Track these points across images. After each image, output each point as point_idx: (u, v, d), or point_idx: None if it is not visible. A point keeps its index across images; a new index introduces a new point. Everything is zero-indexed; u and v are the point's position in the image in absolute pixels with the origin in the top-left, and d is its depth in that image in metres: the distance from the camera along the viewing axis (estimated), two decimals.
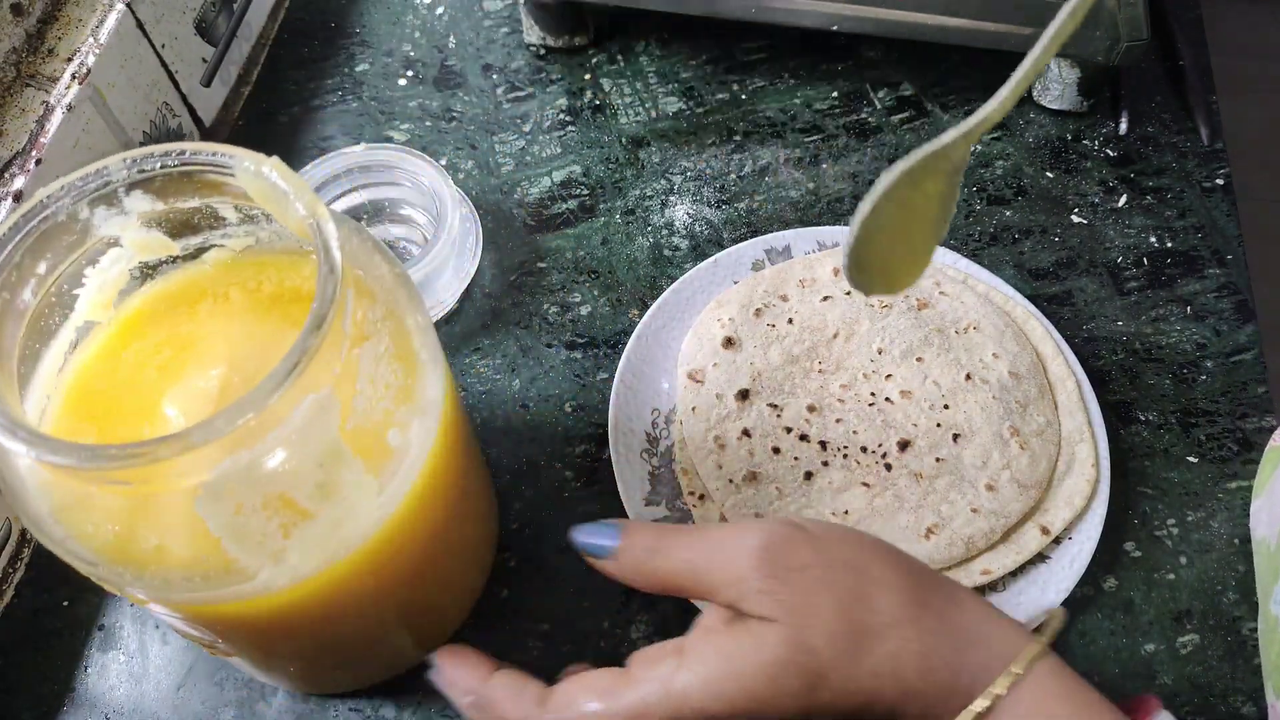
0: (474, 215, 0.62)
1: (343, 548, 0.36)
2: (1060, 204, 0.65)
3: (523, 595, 0.52)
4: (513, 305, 0.61)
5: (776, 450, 0.52)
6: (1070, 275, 0.62)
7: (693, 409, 0.54)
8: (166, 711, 0.50)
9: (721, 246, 0.62)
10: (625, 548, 0.39)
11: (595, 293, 0.61)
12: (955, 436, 0.53)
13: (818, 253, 0.59)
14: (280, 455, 0.33)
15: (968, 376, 0.54)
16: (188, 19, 0.64)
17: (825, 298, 0.57)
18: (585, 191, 0.65)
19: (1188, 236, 0.64)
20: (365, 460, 0.35)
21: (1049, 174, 0.66)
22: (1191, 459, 0.56)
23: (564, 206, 0.65)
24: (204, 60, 0.65)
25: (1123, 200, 0.65)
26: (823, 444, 0.52)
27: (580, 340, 0.60)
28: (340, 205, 0.61)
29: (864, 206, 0.37)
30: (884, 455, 0.52)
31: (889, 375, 0.54)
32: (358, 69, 0.71)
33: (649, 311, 0.57)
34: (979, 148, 0.67)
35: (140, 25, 0.59)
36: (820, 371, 0.55)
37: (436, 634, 0.50)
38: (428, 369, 0.38)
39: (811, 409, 0.53)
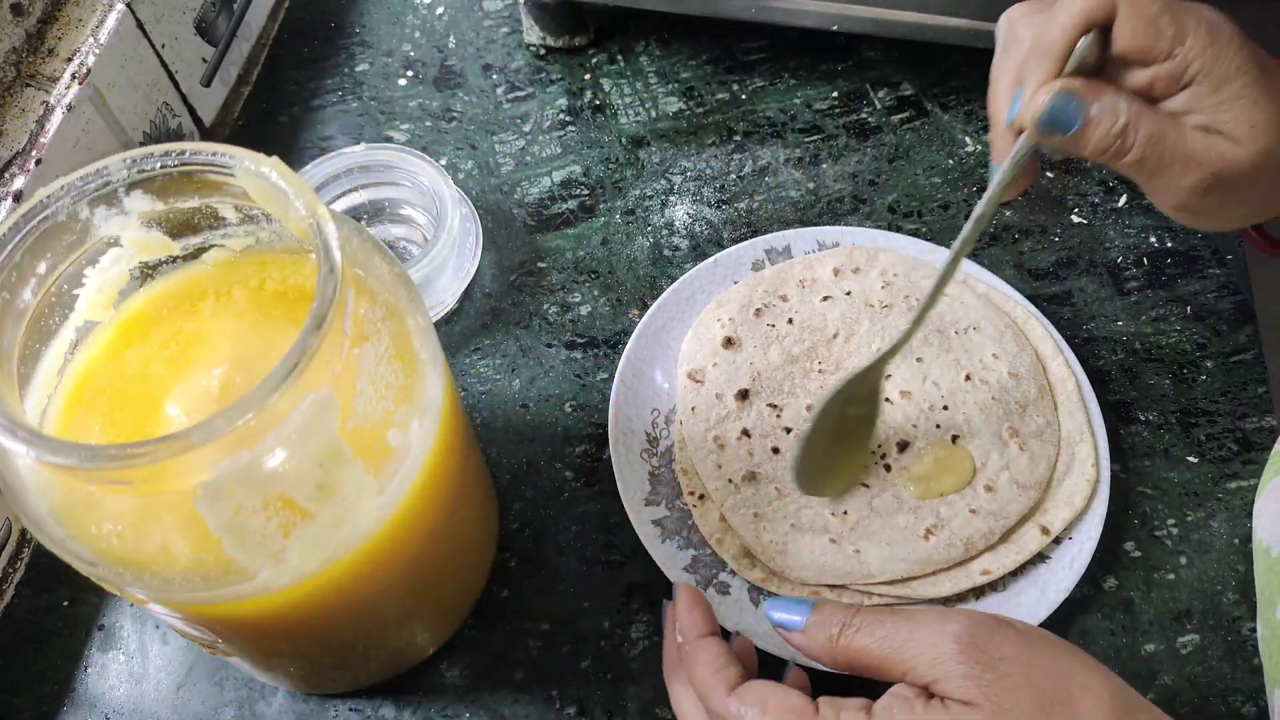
0: (474, 215, 0.62)
1: (342, 548, 0.36)
2: (1060, 204, 0.65)
3: (523, 595, 0.52)
4: (513, 305, 0.61)
5: (776, 450, 0.52)
6: (1070, 275, 0.62)
7: (692, 409, 0.54)
8: (166, 711, 0.50)
9: (721, 246, 0.62)
10: (815, 623, 0.40)
11: (595, 293, 0.61)
12: (954, 438, 0.53)
13: (817, 253, 0.59)
14: (280, 455, 0.33)
15: (967, 377, 0.54)
16: (188, 19, 0.64)
17: (825, 298, 0.57)
18: (585, 191, 0.65)
19: (1188, 236, 0.64)
20: (365, 460, 0.35)
21: (1049, 174, 0.66)
22: (1191, 459, 0.56)
23: (564, 206, 0.65)
24: (204, 60, 0.65)
25: (1123, 200, 0.65)
26: None
27: (580, 340, 0.60)
28: (340, 205, 0.61)
29: (805, 428, 0.50)
30: (883, 456, 0.52)
31: (888, 376, 0.54)
32: (358, 69, 0.71)
33: (649, 311, 0.57)
34: (979, 147, 0.67)
35: (140, 25, 0.59)
36: (820, 371, 0.55)
37: (436, 634, 0.50)
38: (428, 369, 0.38)
39: (811, 409, 0.53)
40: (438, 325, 0.60)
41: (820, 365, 0.55)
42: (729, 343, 0.55)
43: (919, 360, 0.55)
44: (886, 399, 0.54)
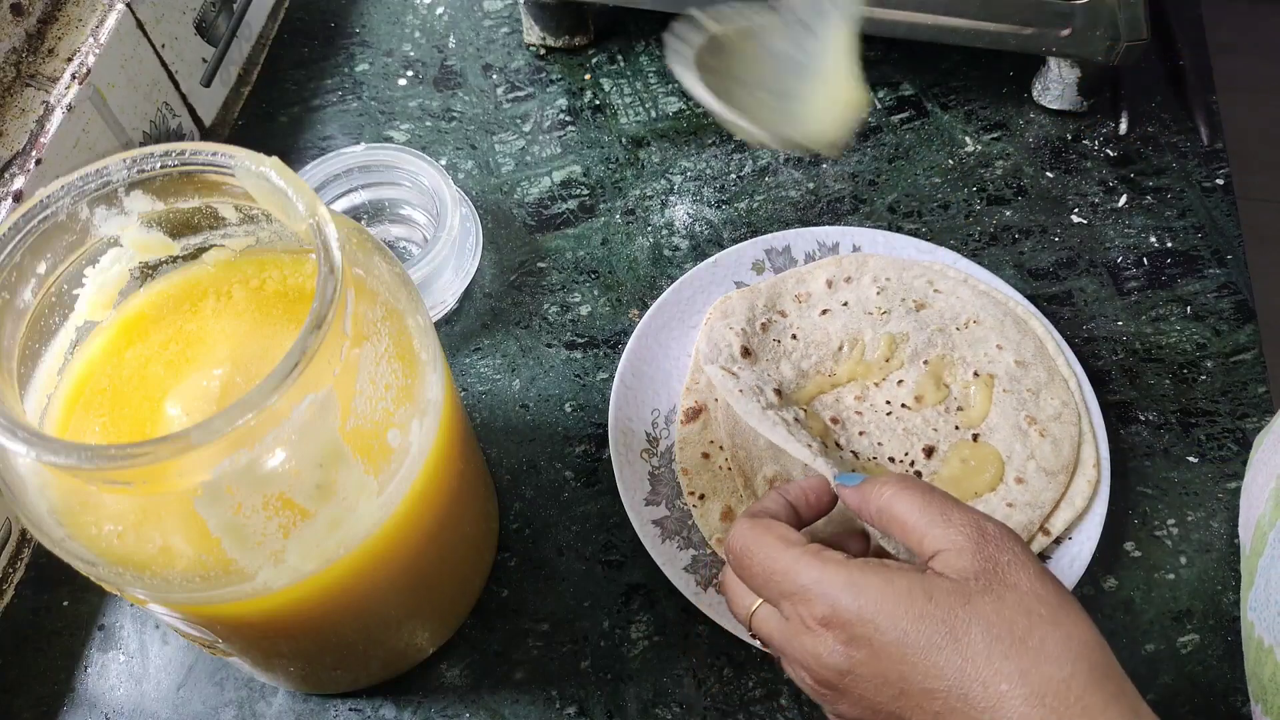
0: (474, 215, 0.62)
1: (342, 548, 0.36)
2: (1060, 204, 0.65)
3: (523, 595, 0.52)
4: (513, 305, 0.61)
5: (824, 446, 0.51)
6: (1070, 275, 0.62)
7: (739, 391, 0.52)
8: (166, 711, 0.50)
9: (721, 246, 0.62)
10: (869, 481, 0.42)
11: (595, 293, 0.61)
12: (975, 436, 0.53)
13: (805, 265, 0.59)
14: (280, 455, 0.33)
15: (975, 374, 0.54)
16: (188, 19, 0.64)
17: (824, 311, 0.56)
18: (585, 191, 0.65)
19: (1188, 236, 0.64)
20: (365, 460, 0.35)
21: (1049, 174, 0.66)
22: (1191, 459, 0.56)
23: (564, 206, 0.65)
24: (204, 60, 0.65)
25: (1123, 200, 0.65)
26: (855, 454, 0.52)
27: (580, 340, 0.60)
28: (340, 205, 0.61)
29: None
30: (912, 464, 0.52)
31: (900, 381, 0.54)
32: (358, 69, 0.71)
33: (649, 311, 0.57)
34: (979, 147, 0.67)
35: (140, 25, 0.59)
36: (832, 385, 0.55)
37: (436, 634, 0.50)
38: (428, 369, 0.38)
39: (834, 421, 0.53)
40: (438, 325, 0.60)
41: (833, 380, 0.55)
42: (746, 353, 0.54)
43: (926, 362, 0.54)
44: (903, 405, 0.54)
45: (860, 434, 0.53)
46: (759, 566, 0.40)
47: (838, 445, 0.52)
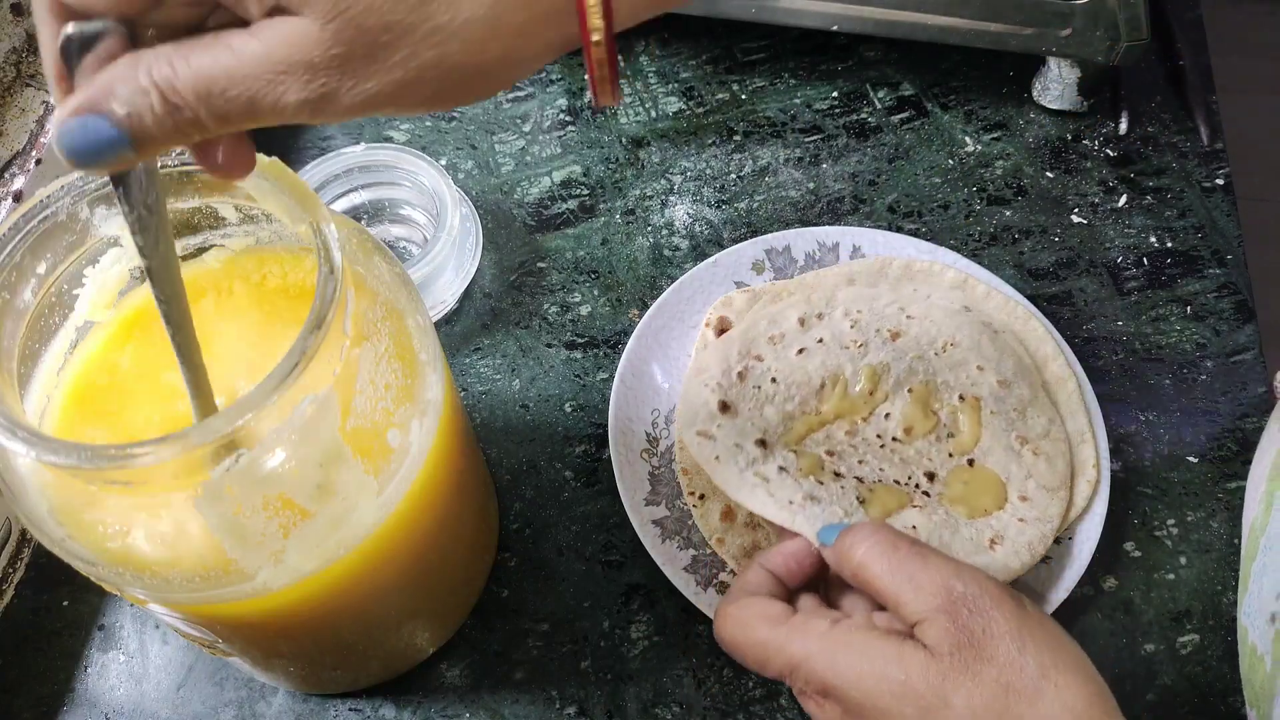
0: (474, 215, 0.62)
1: (342, 548, 0.36)
2: (1060, 204, 0.65)
3: (523, 595, 0.52)
4: (513, 305, 0.61)
5: (820, 483, 0.50)
6: (1070, 275, 0.62)
7: (715, 458, 0.51)
8: (166, 711, 0.50)
9: (721, 246, 0.62)
10: (843, 538, 0.42)
11: (595, 293, 0.61)
12: (970, 461, 0.52)
13: (775, 305, 0.57)
14: (280, 455, 0.33)
15: (961, 397, 0.54)
16: None
17: (800, 350, 0.54)
18: (585, 191, 0.65)
19: (1188, 236, 0.64)
20: (365, 460, 0.35)
21: (1049, 174, 0.66)
22: (1191, 459, 0.56)
23: (564, 206, 0.65)
24: None
25: (1123, 200, 0.65)
26: (859, 479, 0.51)
27: (580, 340, 0.60)
28: (340, 205, 0.61)
29: None
30: (916, 486, 0.52)
31: (887, 415, 0.53)
32: None
33: (649, 311, 0.57)
34: (979, 147, 0.67)
35: None
36: (820, 423, 0.54)
37: (436, 634, 0.50)
38: (428, 369, 0.38)
39: (830, 453, 0.52)
40: (438, 325, 0.60)
41: (820, 417, 0.54)
42: (725, 408, 0.52)
43: (910, 391, 0.53)
44: (894, 439, 0.53)
45: (860, 463, 0.52)
46: (751, 654, 0.40)
47: (837, 475, 0.51)
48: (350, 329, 0.34)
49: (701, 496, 0.52)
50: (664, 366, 0.57)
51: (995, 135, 0.68)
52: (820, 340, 0.55)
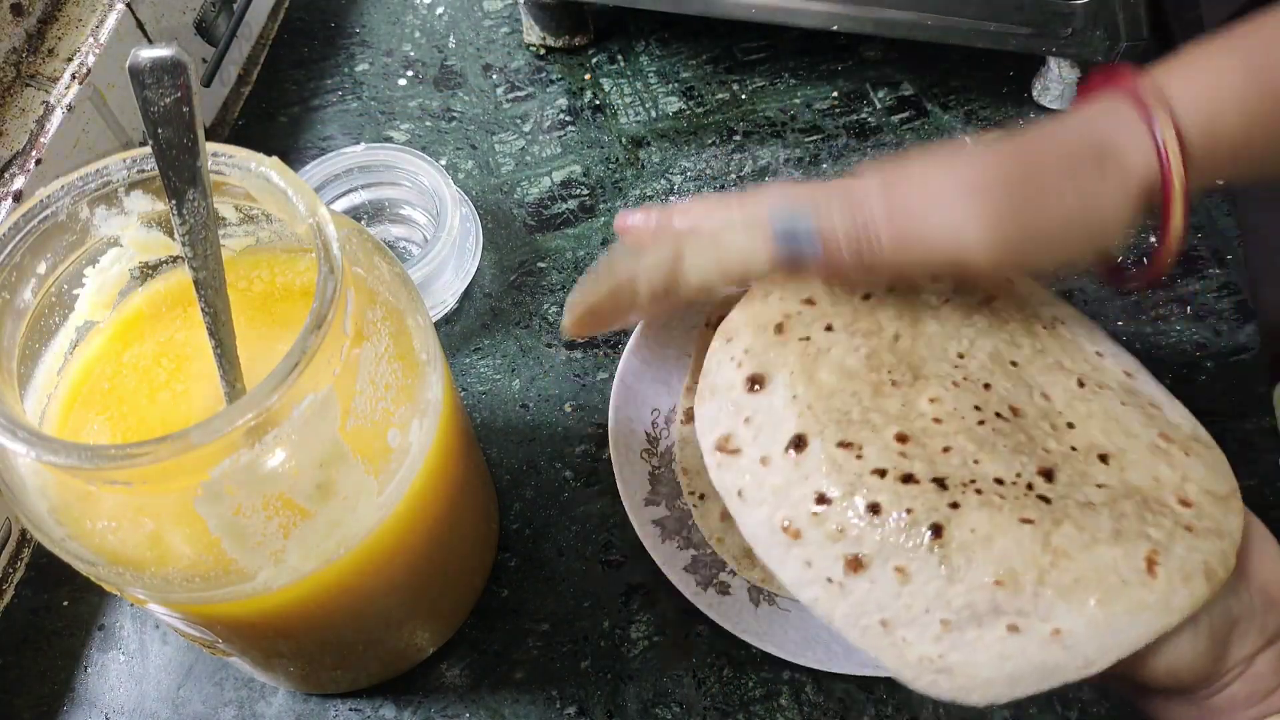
0: (474, 215, 0.62)
1: (342, 548, 0.36)
2: None
3: (523, 595, 0.52)
4: (513, 305, 0.61)
5: (875, 509, 0.35)
6: (1070, 275, 0.62)
7: (739, 493, 0.38)
8: (166, 711, 0.50)
9: None
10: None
11: None
12: (1103, 458, 0.38)
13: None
14: (280, 455, 0.33)
15: (1080, 383, 0.40)
16: (188, 19, 0.64)
17: (865, 295, 0.41)
18: (585, 191, 0.65)
19: (1188, 236, 0.63)
20: (365, 460, 0.35)
21: None
22: None
23: (564, 206, 0.65)
24: (204, 60, 0.65)
25: None
26: (938, 482, 0.36)
27: (580, 340, 0.60)
28: (340, 205, 0.61)
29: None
30: (1029, 486, 0.36)
31: (986, 384, 0.39)
32: (358, 69, 0.71)
33: None
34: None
35: (140, 25, 0.59)
36: (895, 385, 0.39)
37: (436, 634, 0.50)
38: (427, 369, 0.38)
39: (902, 438, 0.37)
40: (438, 325, 0.60)
41: (892, 375, 0.39)
42: (755, 383, 0.39)
43: (1014, 364, 0.40)
44: (998, 415, 0.39)
45: (945, 450, 0.37)
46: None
47: (908, 481, 0.36)
48: (350, 329, 0.34)
49: (701, 496, 0.52)
50: (664, 366, 0.57)
51: (996, 135, 0.67)
52: (892, 288, 0.42)
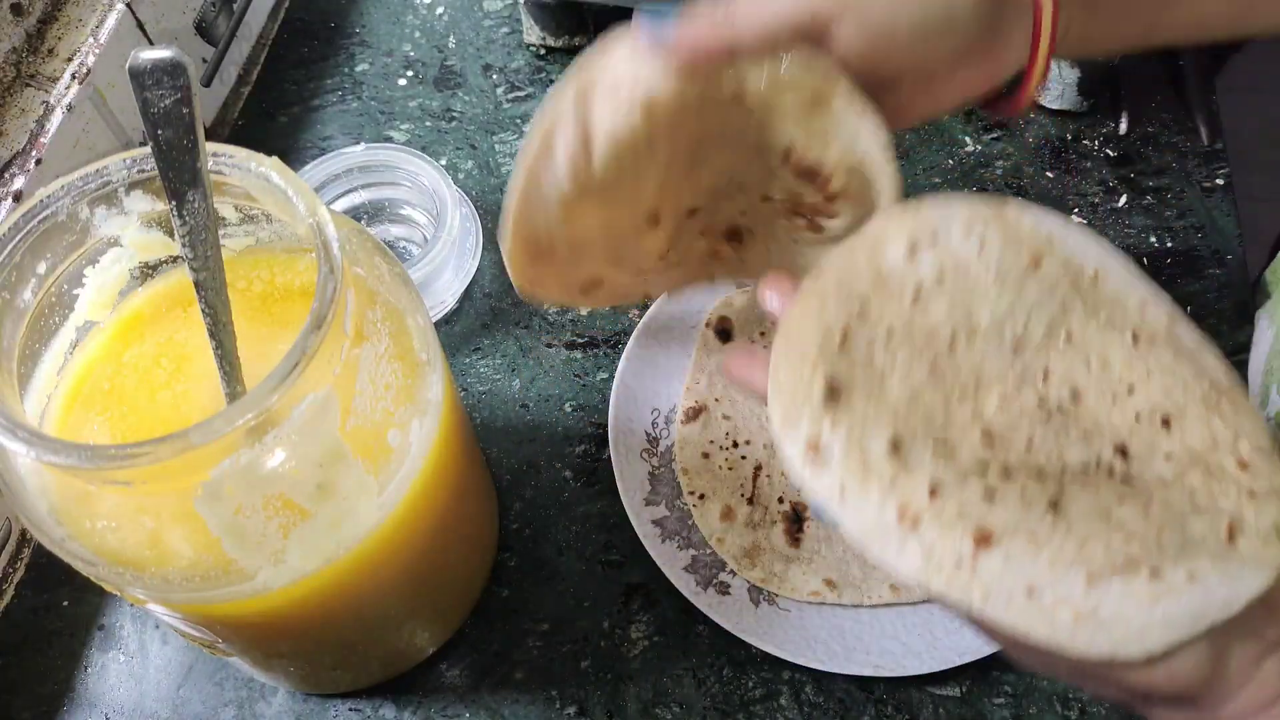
0: (474, 215, 0.62)
1: (342, 548, 0.36)
2: (1060, 204, 0.65)
3: (523, 595, 0.52)
4: (513, 305, 0.61)
5: (990, 494, 0.36)
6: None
7: (841, 491, 0.36)
8: (166, 711, 0.50)
9: None
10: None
11: None
12: (1165, 421, 0.38)
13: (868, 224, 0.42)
14: (280, 455, 0.33)
15: (1135, 338, 0.39)
16: (188, 19, 0.64)
17: (914, 297, 0.40)
18: None
19: (1188, 236, 0.64)
20: (365, 460, 0.35)
21: (1049, 174, 0.66)
22: None
23: None
24: (204, 60, 0.65)
25: (1123, 200, 0.65)
26: (1036, 471, 0.37)
27: (580, 340, 0.60)
28: (340, 205, 0.61)
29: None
30: (1110, 471, 0.37)
31: (1045, 373, 0.39)
32: (358, 69, 0.71)
33: (649, 311, 0.57)
34: (979, 147, 0.67)
35: (140, 25, 0.59)
36: (961, 398, 0.39)
37: (436, 634, 0.50)
38: (428, 369, 0.38)
39: (988, 438, 0.37)
40: (438, 325, 0.60)
41: (958, 385, 0.38)
42: (833, 394, 0.37)
43: (1069, 336, 0.40)
44: (1059, 407, 0.39)
45: (1028, 449, 0.38)
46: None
47: (1008, 474, 0.37)
48: (350, 329, 0.34)
49: (701, 496, 0.52)
50: (664, 366, 0.57)
51: (995, 135, 0.68)
52: (940, 280, 0.40)
